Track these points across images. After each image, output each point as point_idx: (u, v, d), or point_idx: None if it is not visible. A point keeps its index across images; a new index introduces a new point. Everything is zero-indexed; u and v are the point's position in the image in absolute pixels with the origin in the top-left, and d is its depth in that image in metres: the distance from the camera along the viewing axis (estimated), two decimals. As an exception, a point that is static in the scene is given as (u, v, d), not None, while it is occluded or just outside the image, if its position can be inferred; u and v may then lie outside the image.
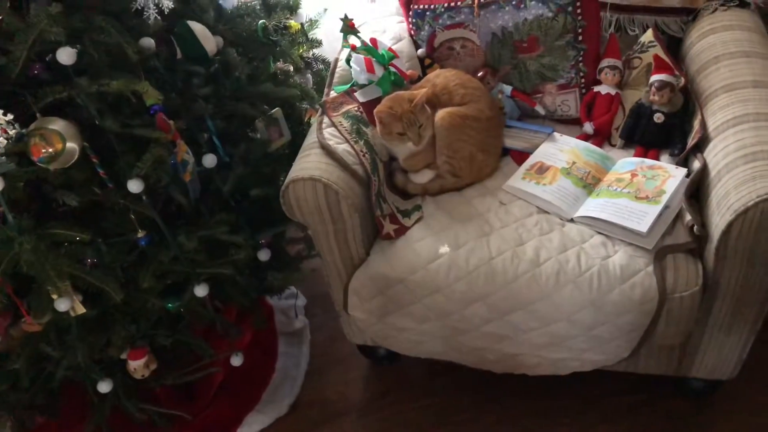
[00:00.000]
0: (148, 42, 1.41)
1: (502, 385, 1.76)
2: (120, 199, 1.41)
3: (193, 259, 1.50)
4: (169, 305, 1.55)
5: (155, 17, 1.41)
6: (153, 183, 1.40)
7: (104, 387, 1.56)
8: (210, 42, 1.53)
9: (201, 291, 1.52)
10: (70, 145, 1.30)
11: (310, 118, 1.83)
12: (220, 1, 1.64)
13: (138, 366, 1.57)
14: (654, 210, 1.39)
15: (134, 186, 1.37)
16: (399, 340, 1.61)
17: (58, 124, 1.30)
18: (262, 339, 2.00)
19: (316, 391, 1.90)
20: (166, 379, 1.67)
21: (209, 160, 1.52)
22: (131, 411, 1.63)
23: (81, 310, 1.45)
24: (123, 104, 1.38)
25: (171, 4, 1.41)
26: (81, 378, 1.56)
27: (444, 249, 1.45)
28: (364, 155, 1.51)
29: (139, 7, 1.40)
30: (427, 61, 1.81)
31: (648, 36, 1.68)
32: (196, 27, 1.51)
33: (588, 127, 1.67)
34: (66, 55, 1.27)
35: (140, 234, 1.45)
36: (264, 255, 1.65)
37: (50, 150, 1.28)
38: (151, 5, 1.40)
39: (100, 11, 1.36)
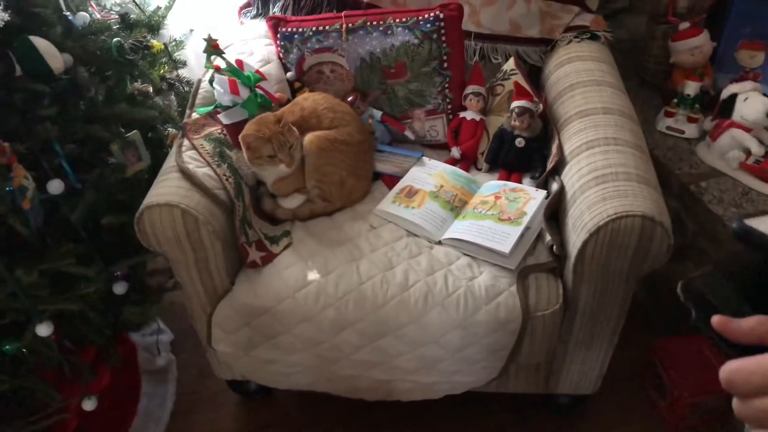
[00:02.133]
0: (-23, 55, 1.28)
1: (380, 414, 1.73)
2: (-55, 231, 1.26)
3: (35, 294, 1.35)
4: (7, 347, 1.39)
5: (-12, 29, 1.29)
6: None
7: (-71, 444, 1.37)
8: (56, 59, 1.41)
9: (44, 330, 1.38)
10: None
11: (172, 142, 1.73)
12: (70, 17, 1.52)
13: (-30, 418, 1.40)
14: (516, 231, 1.42)
15: (-39, 216, 1.23)
16: (268, 373, 1.54)
17: None
18: (123, 379, 1.85)
19: (183, 432, 1.78)
20: (5, 429, 1.49)
21: (54, 186, 1.39)
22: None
23: None
24: (-53, 125, 1.24)
25: (6, 17, 1.29)
26: None
27: (313, 275, 1.41)
28: (227, 179, 1.45)
29: (-33, 17, 1.28)
30: (297, 85, 1.78)
31: (510, 64, 1.74)
32: (40, 42, 1.39)
33: (455, 152, 1.70)
34: None
35: (-30, 269, 1.30)
36: (120, 288, 1.53)
37: None
38: (-20, 16, 1.28)
39: None
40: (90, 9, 1.70)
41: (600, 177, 1.36)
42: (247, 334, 1.45)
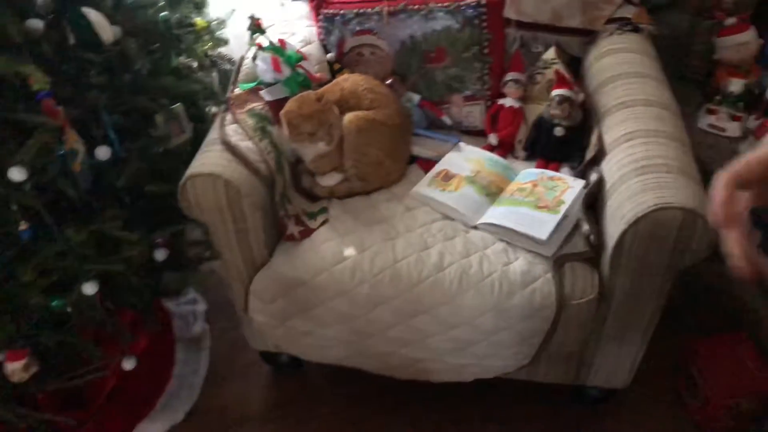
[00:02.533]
0: (35, 23, 1.31)
1: (406, 395, 1.76)
2: (0, 188, 1.30)
3: (82, 254, 1.40)
4: (54, 303, 1.43)
5: (44, -1, 1.32)
6: (38, 173, 1.30)
7: (-26, 392, 1.42)
8: (106, 31, 1.44)
9: (89, 289, 1.42)
10: (-58, 128, 1.19)
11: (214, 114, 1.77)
12: (120, -10, 1.56)
13: (16, 369, 1.44)
14: (553, 219, 1.43)
15: (16, 174, 1.26)
16: (302, 345, 1.57)
17: (-71, 104, 1.19)
18: (159, 345, 1.90)
19: (214, 399, 1.82)
20: (48, 383, 1.54)
21: (103, 153, 1.43)
22: (5, 417, 1.50)
23: (-50, 307, 1.32)
24: (6, 88, 1.28)
25: (60, -12, 1.33)
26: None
27: (349, 251, 1.43)
28: (268, 153, 1.48)
29: (27, -13, 1.31)
30: (336, 66, 1.79)
31: (550, 54, 1.74)
32: (92, 14, 1.42)
33: (492, 139, 1.71)
34: (-58, 31, 1.16)
35: (22, 226, 1.34)
36: (160, 255, 1.56)
37: None
38: (39, -15, 1.31)
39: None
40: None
41: (641, 168, 1.36)
42: (284, 304, 1.48)
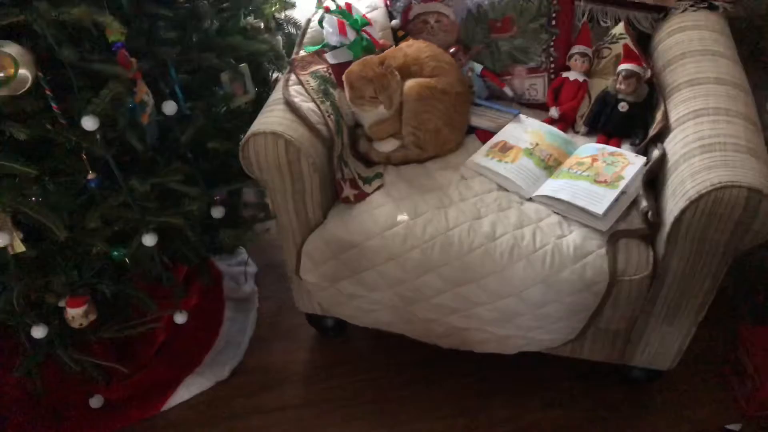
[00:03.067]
0: (114, -26, 1.36)
1: (445, 365, 1.76)
2: (73, 136, 1.35)
3: (144, 206, 1.45)
4: (115, 253, 1.49)
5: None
6: (109, 123, 1.35)
7: (38, 333, 1.50)
8: (180, -14, 1.49)
9: (149, 240, 1.48)
10: (22, 71, 1.25)
11: (276, 78, 1.80)
12: (193, -52, 1.59)
13: (76, 314, 1.52)
14: (611, 194, 1.41)
15: (89, 123, 1.31)
16: (349, 308, 1.59)
17: (11, 48, 1.24)
18: (208, 303, 1.96)
19: (259, 359, 1.86)
20: (105, 331, 1.61)
21: (170, 108, 1.47)
22: (65, 360, 1.57)
23: (20, 248, 1.39)
24: (83, 37, 1.33)
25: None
26: (14, 321, 1.49)
27: (402, 217, 1.44)
28: (329, 116, 1.49)
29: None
30: (400, 33, 1.79)
31: (619, 29, 1.70)
32: (166, -31, 1.47)
33: (554, 112, 1.68)
34: (25, -23, 1.21)
35: (91, 175, 1.40)
36: (217, 212, 1.61)
37: (1, 74, 1.22)
38: (118, -60, 1.35)
39: (65, -61, 1.31)
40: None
41: (707, 146, 1.32)
42: (335, 266, 1.50)
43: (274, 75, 1.85)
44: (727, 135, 1.32)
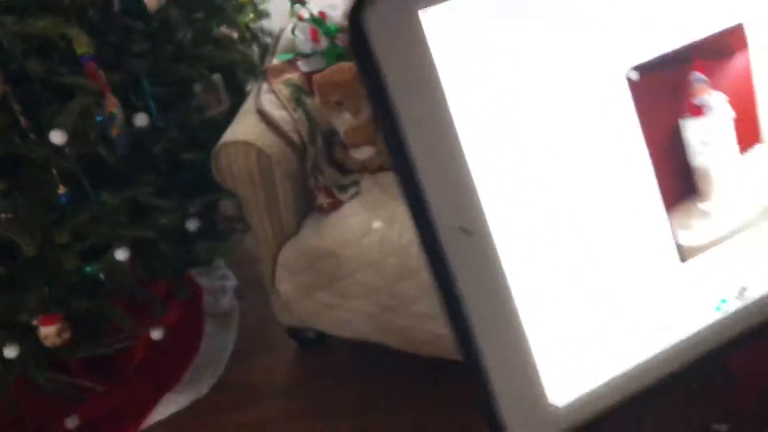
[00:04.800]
0: (82, -13, 1.35)
1: (429, 375, 1.74)
2: (42, 150, 1.34)
3: (115, 220, 1.43)
4: (87, 268, 1.47)
5: (92, -39, 1.36)
6: (78, 136, 1.34)
7: (11, 352, 1.46)
8: (151, -2, 1.48)
9: (121, 255, 1.45)
10: (-12, 86, 1.24)
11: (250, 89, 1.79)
12: (165, -43, 1.59)
13: (49, 333, 1.48)
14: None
15: (57, 137, 1.31)
16: (327, 318, 1.57)
17: (-25, 63, 1.23)
18: (188, 319, 1.93)
19: (240, 374, 1.83)
20: (80, 349, 1.58)
21: (141, 120, 1.46)
22: (38, 380, 1.54)
23: (-11, 266, 1.37)
24: (51, 50, 1.32)
25: (107, -46, 1.37)
26: (-15, 341, 1.46)
27: (378, 224, 1.43)
28: (301, 124, 1.49)
29: (76, -48, 1.35)
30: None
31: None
32: (137, -20, 1.46)
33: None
34: (-10, -7, 1.20)
35: (61, 190, 1.38)
36: (192, 224, 1.59)
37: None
38: (88, -50, 1.35)
39: (33, -49, 1.30)
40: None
41: None
42: (311, 276, 1.49)
43: (249, 85, 1.84)
44: None
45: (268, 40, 1.88)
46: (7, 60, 1.28)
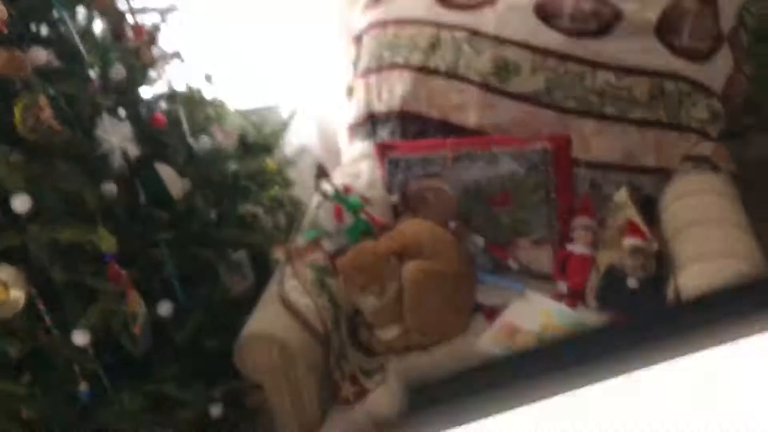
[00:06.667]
0: (110, 188, 1.38)
1: None
2: (65, 349, 1.33)
3: (137, 418, 1.39)
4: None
5: (120, 163, 1.40)
6: (101, 335, 1.33)
7: None
8: (177, 186, 1.51)
9: (141, 453, 1.41)
10: (14, 293, 1.25)
11: (276, 259, 1.78)
12: (192, 143, 1.63)
13: None
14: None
15: (79, 338, 1.30)
16: None
17: (3, 272, 1.25)
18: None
19: None
20: None
21: (164, 309, 1.45)
22: None
23: (7, 471, 1.33)
24: (76, 250, 1.33)
25: (137, 152, 1.40)
26: None
27: (405, 417, 1.36)
28: (326, 311, 1.45)
29: (105, 153, 1.39)
30: (400, 208, 1.79)
31: (622, 196, 1.67)
32: (164, 170, 1.50)
33: (562, 287, 1.62)
34: (20, 204, 1.24)
35: (83, 387, 1.36)
36: (216, 410, 1.54)
37: (-7, 301, 1.22)
38: (117, 152, 1.39)
39: (64, 155, 1.34)
40: (213, 130, 1.82)
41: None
42: (336, 473, 1.41)
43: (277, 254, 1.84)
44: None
45: (293, 209, 1.89)
46: (33, 264, 1.30)
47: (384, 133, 1.92)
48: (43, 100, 1.29)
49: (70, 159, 1.34)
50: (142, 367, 1.45)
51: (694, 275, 1.40)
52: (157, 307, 1.45)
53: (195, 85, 1.74)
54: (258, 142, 1.83)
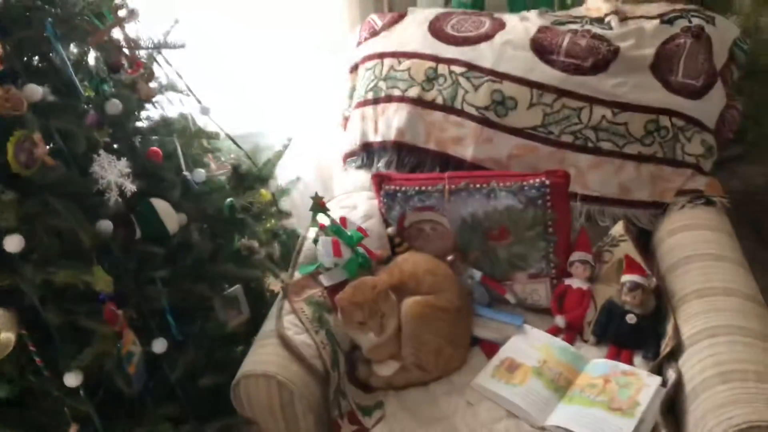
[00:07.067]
0: (106, 225, 1.35)
1: None
2: (55, 390, 1.30)
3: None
4: None
5: (117, 199, 1.38)
6: (93, 376, 1.30)
7: None
8: (172, 221, 1.49)
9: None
10: (4, 335, 1.22)
11: (272, 291, 1.77)
12: (188, 176, 1.61)
13: None
14: (629, 424, 1.31)
15: (71, 380, 1.27)
16: None
17: (-6, 314, 1.22)
18: None
19: None
20: None
21: (159, 346, 1.42)
22: None
23: None
24: (69, 290, 1.31)
25: (134, 188, 1.38)
26: None
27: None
28: (324, 347, 1.44)
29: (101, 189, 1.37)
30: (397, 240, 1.78)
31: (618, 229, 1.68)
32: (160, 205, 1.47)
33: (559, 321, 1.62)
34: (13, 244, 1.21)
35: (73, 430, 1.33)
36: (211, 450, 1.51)
37: (-20, 345, 1.19)
38: (114, 188, 1.37)
39: (59, 192, 1.32)
40: (207, 160, 1.80)
41: (726, 374, 1.24)
42: None
43: (273, 283, 1.82)
44: (747, 361, 1.25)
45: (287, 238, 1.87)
46: (24, 303, 1.27)
47: (380, 165, 1.91)
48: (37, 136, 1.28)
49: (65, 196, 1.32)
50: (135, 405, 1.41)
51: (694, 311, 1.41)
52: (151, 344, 1.42)
53: (189, 115, 1.72)
54: (252, 172, 1.81)
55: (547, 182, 1.61)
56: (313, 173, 2.16)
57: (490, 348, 1.58)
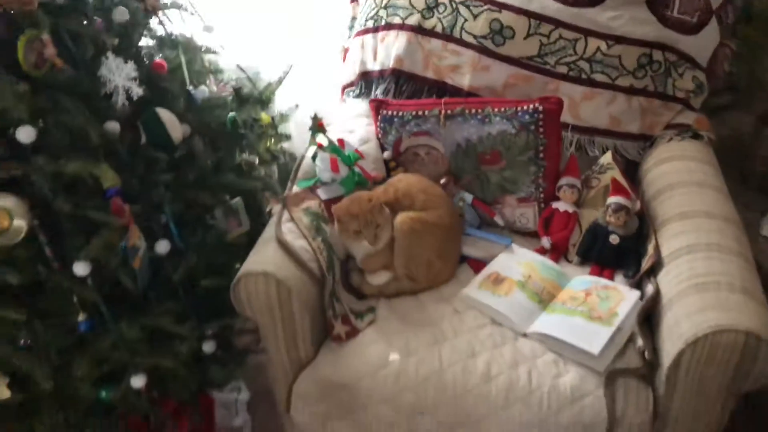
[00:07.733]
0: (113, 126, 1.41)
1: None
2: (64, 280, 1.36)
3: (134, 348, 1.43)
4: (103, 395, 1.46)
5: (124, 102, 1.42)
6: (101, 267, 1.36)
7: (23, 481, 1.44)
8: (177, 130, 1.54)
9: (138, 382, 1.45)
10: (17, 222, 1.28)
11: (270, 210, 1.82)
12: (192, 91, 1.66)
13: (62, 459, 1.47)
14: (606, 332, 1.39)
15: (80, 269, 1.33)
16: (342, 449, 1.54)
17: (7, 201, 1.27)
18: (200, 433, 1.90)
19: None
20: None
21: (162, 247, 1.49)
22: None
23: (4, 394, 1.36)
24: (79, 184, 1.36)
25: (141, 92, 1.42)
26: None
27: (394, 357, 1.42)
28: (320, 253, 1.50)
29: (109, 92, 1.41)
30: (392, 164, 1.83)
31: (607, 158, 1.74)
32: (165, 114, 1.52)
33: (545, 242, 1.69)
34: (25, 135, 1.26)
35: (81, 317, 1.39)
36: (209, 347, 1.59)
37: (-4, 227, 1.24)
38: (121, 91, 1.41)
39: (69, 92, 1.36)
40: (209, 82, 1.84)
41: (700, 285, 1.31)
42: (326, 407, 1.46)
43: (272, 204, 1.87)
44: (720, 273, 1.32)
45: (288, 160, 1.92)
46: (37, 194, 1.32)
47: (378, 93, 1.95)
48: (46, 37, 1.31)
49: (75, 96, 1.36)
50: (139, 302, 1.48)
51: (675, 232, 1.47)
52: (155, 245, 1.48)
53: (193, 34, 1.75)
54: (253, 95, 1.85)
55: (541, 108, 1.66)
56: (311, 102, 2.19)
57: (478, 265, 1.65)
